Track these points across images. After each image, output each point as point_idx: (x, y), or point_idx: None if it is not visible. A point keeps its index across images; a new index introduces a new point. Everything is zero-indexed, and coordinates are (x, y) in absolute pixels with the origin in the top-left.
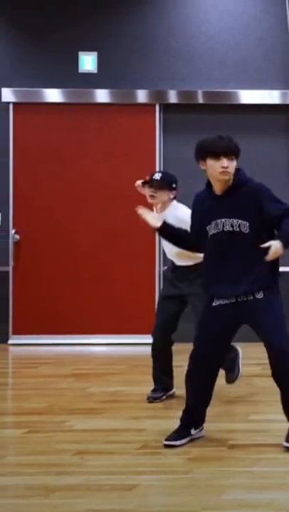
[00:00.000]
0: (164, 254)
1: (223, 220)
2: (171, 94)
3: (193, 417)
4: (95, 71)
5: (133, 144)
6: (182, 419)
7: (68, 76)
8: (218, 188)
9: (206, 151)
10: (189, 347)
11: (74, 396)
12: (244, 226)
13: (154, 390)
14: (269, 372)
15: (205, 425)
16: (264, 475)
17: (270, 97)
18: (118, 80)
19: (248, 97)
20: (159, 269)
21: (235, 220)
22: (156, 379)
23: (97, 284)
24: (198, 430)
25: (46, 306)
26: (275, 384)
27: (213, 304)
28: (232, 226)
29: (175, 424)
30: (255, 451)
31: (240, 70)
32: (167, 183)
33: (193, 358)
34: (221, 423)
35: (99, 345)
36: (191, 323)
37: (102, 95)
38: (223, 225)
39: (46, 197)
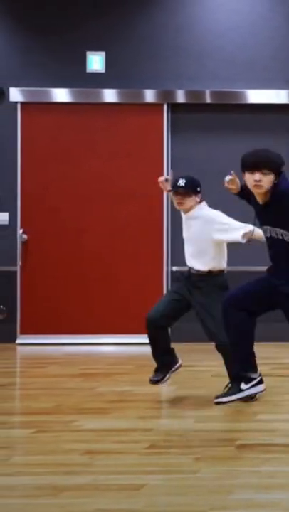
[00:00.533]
0: (172, 254)
1: (268, 227)
2: (178, 93)
3: (239, 369)
4: (103, 71)
5: (141, 144)
6: (230, 376)
7: (76, 76)
8: (258, 198)
9: (242, 165)
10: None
11: (82, 396)
12: (286, 235)
13: (155, 371)
14: (278, 372)
15: (213, 425)
16: (272, 475)
17: (277, 96)
18: (126, 79)
19: (256, 96)
20: (166, 268)
21: (278, 229)
22: (156, 359)
23: (105, 283)
24: (249, 386)
25: (54, 306)
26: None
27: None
28: (276, 234)
29: (183, 423)
30: (263, 451)
31: (248, 70)
32: (193, 188)
33: (230, 300)
34: (228, 423)
35: (107, 344)
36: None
37: (109, 95)
38: (269, 231)
39: (54, 197)
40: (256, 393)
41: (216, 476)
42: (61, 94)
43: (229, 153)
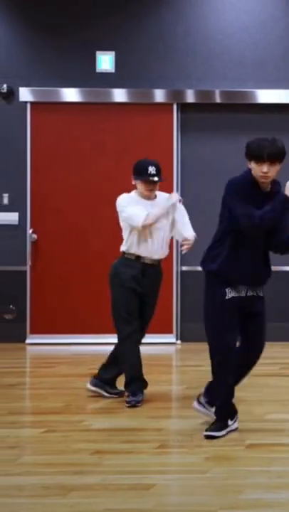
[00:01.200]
0: (181, 253)
1: None
2: (188, 93)
3: (228, 408)
4: (113, 71)
5: (150, 144)
6: (218, 413)
7: (86, 76)
8: (261, 187)
9: (250, 154)
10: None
11: (91, 395)
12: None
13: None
14: (286, 371)
15: None
16: (281, 474)
17: (287, 96)
18: (135, 79)
19: (266, 96)
20: (176, 268)
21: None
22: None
23: None
24: (233, 421)
25: (63, 306)
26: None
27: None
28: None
29: (192, 423)
30: (272, 451)
31: (258, 70)
32: (161, 175)
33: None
34: (237, 423)
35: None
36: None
37: (119, 95)
38: None
39: (63, 197)
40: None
41: (226, 475)
42: (71, 94)
43: (238, 153)
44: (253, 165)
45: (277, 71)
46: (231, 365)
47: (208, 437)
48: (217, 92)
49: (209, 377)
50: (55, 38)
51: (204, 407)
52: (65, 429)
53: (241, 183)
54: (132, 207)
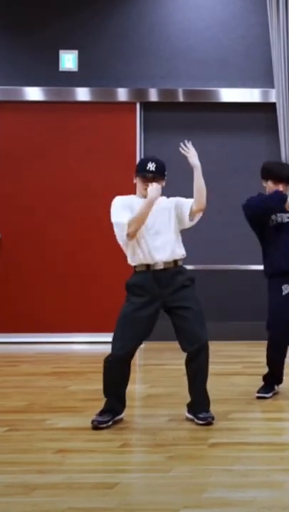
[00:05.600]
0: None
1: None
2: (151, 92)
3: (276, 377)
4: (76, 69)
5: (114, 143)
6: (266, 379)
7: (49, 74)
8: None
9: (269, 175)
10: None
11: (55, 394)
12: None
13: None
14: (250, 370)
15: (186, 423)
16: (245, 473)
17: (251, 95)
18: (99, 78)
19: (229, 95)
20: None
21: None
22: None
23: (78, 282)
24: (278, 387)
25: (27, 305)
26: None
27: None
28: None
29: (155, 421)
30: (236, 450)
31: (221, 68)
32: (162, 172)
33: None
34: None
35: (80, 343)
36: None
37: (82, 93)
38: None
39: (28, 195)
40: None
41: (189, 474)
42: (34, 93)
43: (202, 151)
44: (270, 184)
45: (240, 70)
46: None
47: (259, 398)
48: (180, 91)
49: (173, 376)
50: (18, 36)
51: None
52: (28, 427)
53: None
54: (116, 215)
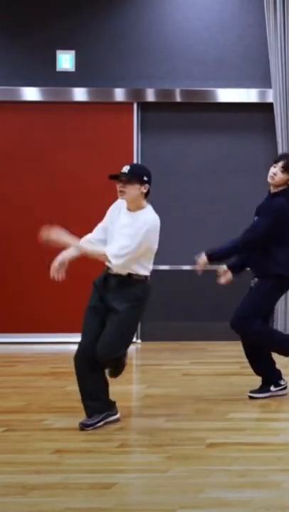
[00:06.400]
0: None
1: None
2: (149, 92)
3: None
4: (73, 70)
5: (111, 143)
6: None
7: (46, 75)
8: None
9: None
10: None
11: (52, 394)
12: None
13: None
14: (248, 371)
15: (183, 424)
16: (242, 473)
17: (248, 95)
18: (96, 78)
19: (226, 95)
20: None
21: None
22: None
23: (76, 282)
24: (277, 388)
25: (25, 305)
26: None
27: None
28: None
29: (153, 422)
30: (233, 450)
31: (219, 69)
32: (137, 176)
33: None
34: (199, 422)
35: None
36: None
37: (80, 94)
38: None
39: (26, 195)
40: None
41: (187, 474)
42: (31, 93)
43: (199, 151)
44: None
45: (237, 70)
46: None
47: (251, 398)
48: (177, 91)
49: (171, 376)
50: (15, 37)
51: None
52: (25, 428)
53: None
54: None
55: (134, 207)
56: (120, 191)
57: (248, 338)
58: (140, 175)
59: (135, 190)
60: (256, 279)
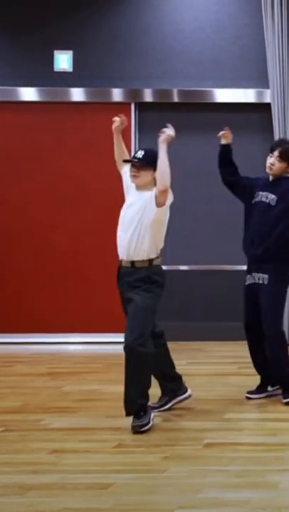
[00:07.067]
0: None
1: None
2: (146, 92)
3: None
4: (71, 70)
5: (109, 143)
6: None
7: (44, 75)
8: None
9: None
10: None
11: (49, 395)
12: None
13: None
14: (245, 371)
15: (181, 424)
16: (240, 474)
17: (245, 95)
18: (93, 78)
19: (224, 95)
20: None
21: None
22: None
23: (73, 282)
24: (274, 388)
25: (23, 305)
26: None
27: None
28: None
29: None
30: (231, 450)
31: (216, 69)
32: (152, 161)
33: None
34: (196, 422)
35: (75, 343)
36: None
37: (77, 94)
38: None
39: (24, 195)
40: None
41: (184, 474)
42: (29, 93)
43: (197, 152)
44: None
45: (235, 70)
46: None
47: (247, 398)
48: (175, 91)
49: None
50: (13, 37)
51: None
52: (22, 428)
53: None
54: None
55: (143, 188)
56: (133, 175)
57: (275, 341)
58: (155, 161)
59: (148, 175)
60: (264, 276)
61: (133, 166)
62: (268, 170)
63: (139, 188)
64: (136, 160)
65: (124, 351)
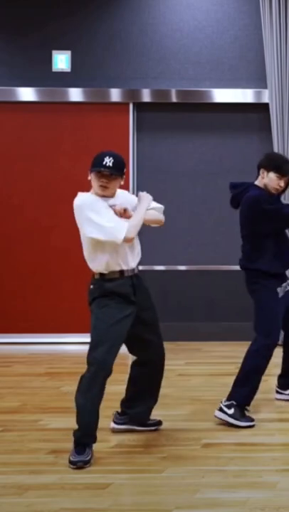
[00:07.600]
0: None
1: None
2: (144, 93)
3: None
4: (69, 70)
5: (107, 143)
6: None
7: (42, 75)
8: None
9: (273, 166)
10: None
11: (48, 395)
12: None
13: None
14: None
15: (179, 424)
16: (237, 474)
17: (243, 95)
18: (92, 78)
19: (222, 95)
20: None
21: None
22: None
23: (71, 282)
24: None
25: (20, 305)
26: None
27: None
28: None
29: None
30: (229, 450)
31: (214, 69)
32: (121, 170)
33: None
34: (194, 422)
35: (73, 343)
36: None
37: (75, 94)
38: None
39: (21, 195)
40: None
41: (182, 475)
42: (27, 94)
43: (195, 152)
44: (272, 176)
45: (233, 70)
46: None
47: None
48: (173, 92)
49: (166, 376)
50: (11, 37)
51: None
52: (21, 428)
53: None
54: (107, 217)
55: (110, 197)
56: (104, 186)
57: None
58: (123, 168)
59: (117, 184)
60: None
61: (103, 176)
62: (274, 191)
63: (105, 198)
64: (107, 170)
65: None
